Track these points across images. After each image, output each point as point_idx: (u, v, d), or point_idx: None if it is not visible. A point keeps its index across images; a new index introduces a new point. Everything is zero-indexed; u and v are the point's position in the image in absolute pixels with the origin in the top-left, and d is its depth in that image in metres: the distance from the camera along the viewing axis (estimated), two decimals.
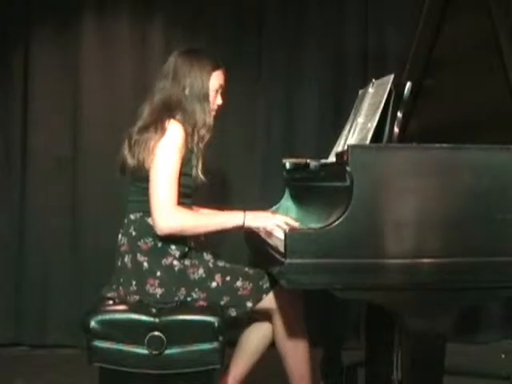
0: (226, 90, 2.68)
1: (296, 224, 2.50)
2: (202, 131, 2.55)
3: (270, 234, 2.48)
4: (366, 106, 2.70)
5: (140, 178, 2.51)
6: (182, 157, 2.48)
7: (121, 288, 2.51)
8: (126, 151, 2.55)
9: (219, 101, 2.65)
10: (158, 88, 2.60)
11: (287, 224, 2.44)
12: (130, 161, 2.51)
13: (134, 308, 2.44)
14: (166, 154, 2.44)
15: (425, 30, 2.81)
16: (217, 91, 2.62)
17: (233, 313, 2.52)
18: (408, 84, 2.62)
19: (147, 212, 2.49)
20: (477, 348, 4.03)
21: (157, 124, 2.47)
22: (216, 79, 2.61)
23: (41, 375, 3.54)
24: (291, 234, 2.07)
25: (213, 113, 2.63)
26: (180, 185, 2.47)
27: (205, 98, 2.57)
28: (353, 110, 2.89)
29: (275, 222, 2.46)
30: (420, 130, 2.84)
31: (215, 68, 2.60)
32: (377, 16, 4.15)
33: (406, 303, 2.11)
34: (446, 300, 2.13)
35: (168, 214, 2.42)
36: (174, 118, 2.50)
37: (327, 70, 4.15)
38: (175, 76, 2.57)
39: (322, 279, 2.05)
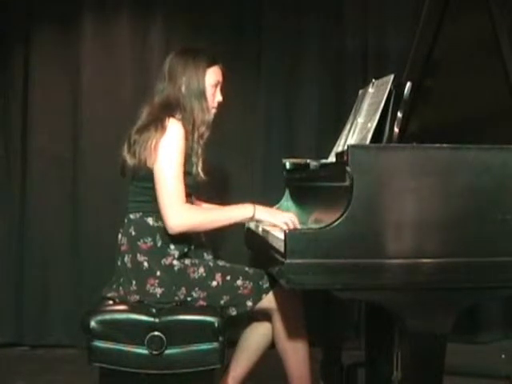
0: (224, 87, 2.67)
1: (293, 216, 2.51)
2: (202, 129, 2.55)
3: (270, 233, 2.48)
4: (365, 106, 2.70)
5: (140, 177, 2.50)
6: (183, 155, 2.48)
7: (121, 288, 2.51)
8: (125, 152, 2.55)
9: (219, 97, 2.64)
10: (157, 90, 2.61)
11: (294, 224, 2.44)
12: (130, 161, 2.51)
13: (133, 308, 2.44)
14: (169, 153, 2.44)
15: (425, 30, 2.81)
16: (215, 87, 2.62)
17: (233, 312, 2.52)
18: (408, 84, 2.61)
19: (147, 212, 2.49)
20: (477, 348, 4.03)
21: (157, 123, 2.47)
22: (212, 75, 2.60)
23: (41, 375, 3.53)
24: (291, 234, 2.07)
25: (213, 110, 2.63)
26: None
27: (202, 95, 2.57)
28: (353, 110, 2.89)
29: (284, 220, 2.45)
30: (420, 130, 2.84)
31: (210, 64, 2.60)
32: (377, 16, 4.15)
33: (406, 303, 2.11)
34: (445, 300, 2.13)
35: (178, 212, 2.42)
36: (173, 116, 2.51)
37: (327, 70, 4.15)
38: (171, 76, 2.57)
39: (321, 279, 2.05)
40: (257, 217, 2.49)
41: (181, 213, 2.43)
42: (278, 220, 2.47)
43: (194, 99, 2.56)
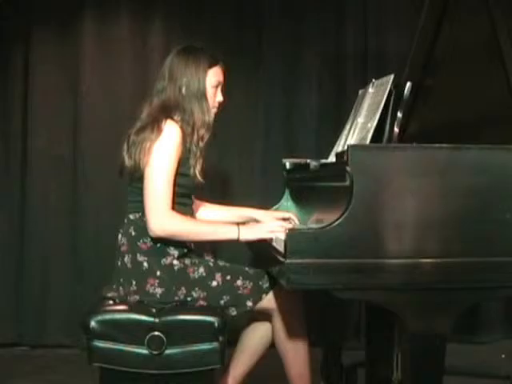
0: (225, 87, 2.66)
1: (292, 216, 2.49)
2: (202, 131, 2.54)
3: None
4: (365, 106, 2.70)
5: (137, 178, 2.50)
6: (179, 157, 2.47)
7: (121, 288, 2.51)
8: (124, 152, 2.54)
9: (220, 98, 2.63)
10: (157, 89, 2.59)
11: (283, 220, 2.43)
12: (128, 162, 2.51)
13: (133, 308, 2.44)
14: (161, 155, 2.43)
15: (425, 30, 2.81)
16: (215, 88, 2.61)
17: (233, 312, 2.52)
18: (408, 84, 2.62)
19: None
20: (477, 348, 4.03)
21: (154, 124, 2.46)
22: (213, 76, 2.59)
23: (41, 375, 3.54)
24: (291, 234, 2.07)
25: (214, 110, 2.62)
26: (178, 185, 2.47)
27: (203, 96, 2.55)
28: (353, 110, 2.89)
29: (271, 229, 2.43)
30: (420, 130, 2.84)
31: (212, 65, 2.58)
32: (376, 16, 4.15)
33: (406, 303, 2.11)
34: (446, 300, 2.12)
35: (161, 217, 2.42)
36: (171, 118, 2.49)
37: (327, 70, 4.15)
38: (171, 76, 2.56)
39: (322, 279, 2.05)
40: (243, 239, 2.44)
41: (163, 218, 2.42)
42: (265, 232, 2.43)
43: (195, 100, 2.54)
